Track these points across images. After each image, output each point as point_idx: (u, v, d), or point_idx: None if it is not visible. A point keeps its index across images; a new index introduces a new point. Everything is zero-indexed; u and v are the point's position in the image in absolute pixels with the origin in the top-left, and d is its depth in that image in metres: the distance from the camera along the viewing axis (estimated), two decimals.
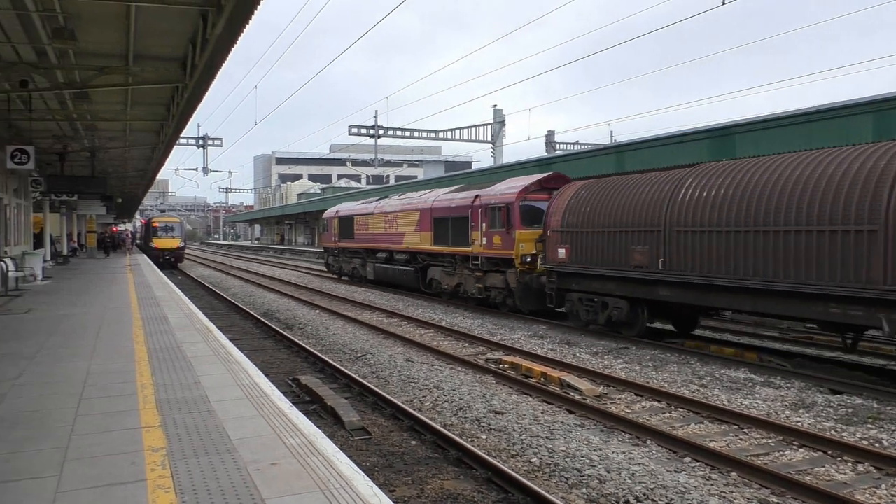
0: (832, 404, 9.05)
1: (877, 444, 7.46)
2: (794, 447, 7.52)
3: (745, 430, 8.12)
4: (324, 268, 33.58)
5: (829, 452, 7.28)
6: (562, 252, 15.35)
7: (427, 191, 25.03)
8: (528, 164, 26.98)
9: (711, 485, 6.39)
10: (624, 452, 7.25)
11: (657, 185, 13.15)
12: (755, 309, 11.38)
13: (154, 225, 44.08)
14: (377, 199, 29.05)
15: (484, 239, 18.64)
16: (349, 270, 30.14)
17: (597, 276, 14.35)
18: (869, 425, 8.14)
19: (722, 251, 11.27)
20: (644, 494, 6.11)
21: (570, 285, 15.35)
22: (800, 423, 8.26)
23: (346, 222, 29.86)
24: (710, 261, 11.51)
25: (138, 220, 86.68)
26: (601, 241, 14.14)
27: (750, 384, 10.19)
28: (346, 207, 31.35)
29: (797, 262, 10.03)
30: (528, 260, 16.99)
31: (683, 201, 12.17)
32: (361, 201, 31.41)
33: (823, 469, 6.85)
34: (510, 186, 18.46)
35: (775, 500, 6.08)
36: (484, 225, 18.65)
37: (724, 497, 6.09)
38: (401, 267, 24.21)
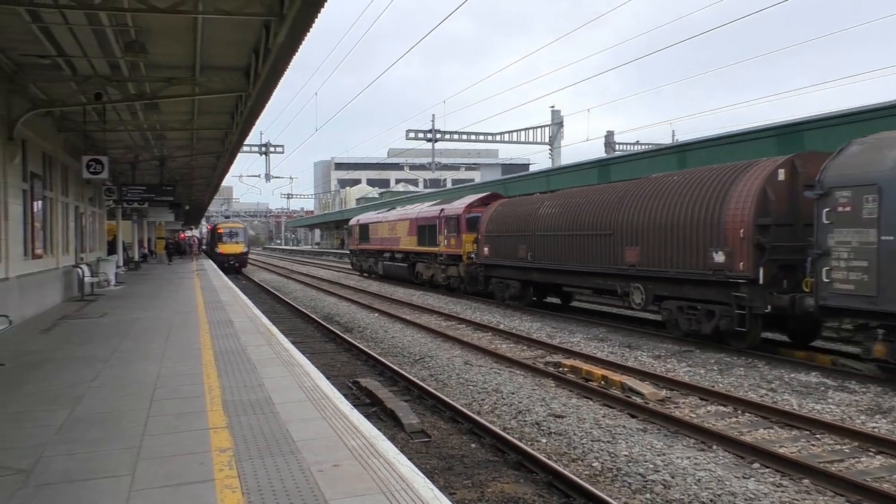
0: None
1: None
2: (871, 454, 7.21)
3: (818, 436, 7.83)
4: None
5: None
6: (486, 250, 22.00)
7: (417, 204, 32.86)
8: (581, 166, 26.67)
9: (782, 492, 6.18)
10: (689, 458, 7.08)
11: (531, 203, 20.06)
12: (576, 283, 17.73)
13: (219, 231, 45.34)
14: (385, 210, 36.24)
15: (445, 241, 25.57)
16: (367, 267, 37.26)
17: (504, 266, 20.95)
18: None
19: (560, 247, 17.66)
20: (711, 501, 5.96)
21: (491, 273, 22.07)
22: (876, 429, 7.92)
23: (364, 229, 36.93)
24: (554, 253, 17.93)
25: (204, 227, 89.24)
26: (506, 242, 20.59)
27: (822, 388, 9.81)
28: (364, 217, 38.44)
29: (590, 253, 16.35)
30: (472, 256, 23.21)
31: (542, 215, 18.75)
32: (375, 212, 38.37)
33: None
34: (461, 202, 25.47)
35: None
36: (445, 231, 25.59)
37: None
38: (399, 263, 31.11)
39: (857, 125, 14.69)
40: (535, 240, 18.73)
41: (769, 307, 11.63)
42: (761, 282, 11.64)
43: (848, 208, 10.20)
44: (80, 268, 18.76)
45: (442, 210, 26.23)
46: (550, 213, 18.34)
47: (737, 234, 12.02)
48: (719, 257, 12.37)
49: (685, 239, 13.27)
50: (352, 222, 40.69)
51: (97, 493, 4.39)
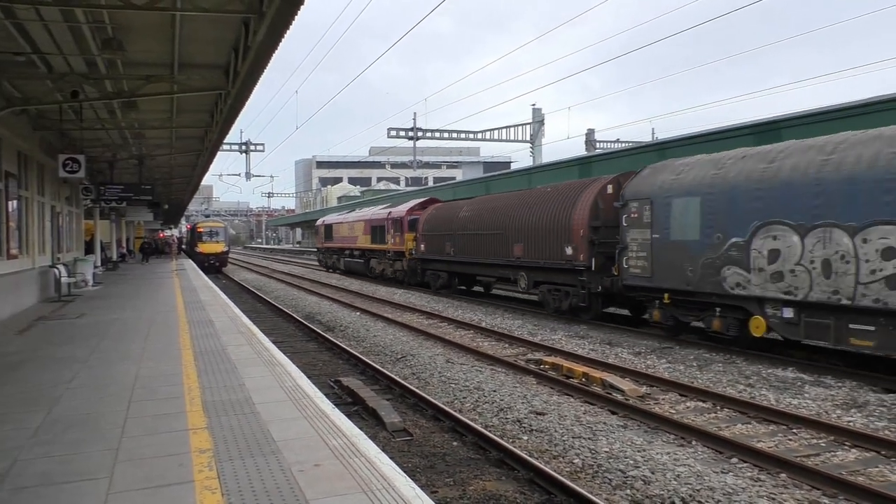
0: (885, 403, 8.78)
1: None
2: (846, 447, 7.33)
3: (795, 431, 7.94)
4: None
5: (883, 453, 7.08)
6: (422, 247, 26.00)
7: (370, 207, 39.17)
8: (561, 164, 26.79)
9: (760, 486, 6.26)
10: (669, 453, 7.15)
11: (455, 208, 24.36)
12: (484, 273, 22.22)
13: (199, 230, 44.98)
14: (346, 212, 41.56)
15: (392, 240, 29.72)
16: (331, 263, 41.49)
17: (435, 260, 25.08)
18: None
19: (473, 245, 21.82)
20: (690, 496, 6.02)
21: (426, 266, 26.31)
22: (852, 423, 8.05)
23: (328, 229, 41.39)
24: (469, 250, 22.06)
25: (184, 226, 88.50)
26: (437, 241, 24.57)
27: (799, 384, 9.95)
28: (328, 218, 43.04)
29: (492, 249, 20.50)
30: (413, 252, 27.34)
31: (460, 218, 22.97)
32: (337, 214, 43.26)
33: (877, 469, 6.66)
34: (405, 206, 29.65)
35: (827, 501, 5.94)
36: (392, 231, 29.66)
37: (774, 498, 5.96)
38: (357, 259, 35.35)
39: (832, 123, 14.90)
40: (456, 238, 23.04)
41: (600, 287, 15.75)
42: (594, 269, 15.87)
43: (636, 215, 14.33)
44: (57, 268, 18.53)
45: (389, 213, 30.47)
46: (467, 217, 22.64)
47: (579, 233, 16.29)
48: (569, 251, 16.70)
49: (550, 238, 17.46)
50: (318, 223, 45.67)
51: (75, 495, 4.35)
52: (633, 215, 14.36)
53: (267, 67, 11.12)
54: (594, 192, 16.26)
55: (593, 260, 15.83)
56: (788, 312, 11.02)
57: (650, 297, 14.17)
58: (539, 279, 18.35)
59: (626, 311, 17.04)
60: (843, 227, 10.09)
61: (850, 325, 10.08)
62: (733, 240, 11.88)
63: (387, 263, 30.76)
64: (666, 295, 13.55)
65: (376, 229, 31.69)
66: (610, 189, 16.07)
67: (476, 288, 25.94)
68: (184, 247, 63.66)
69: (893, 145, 9.73)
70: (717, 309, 12.47)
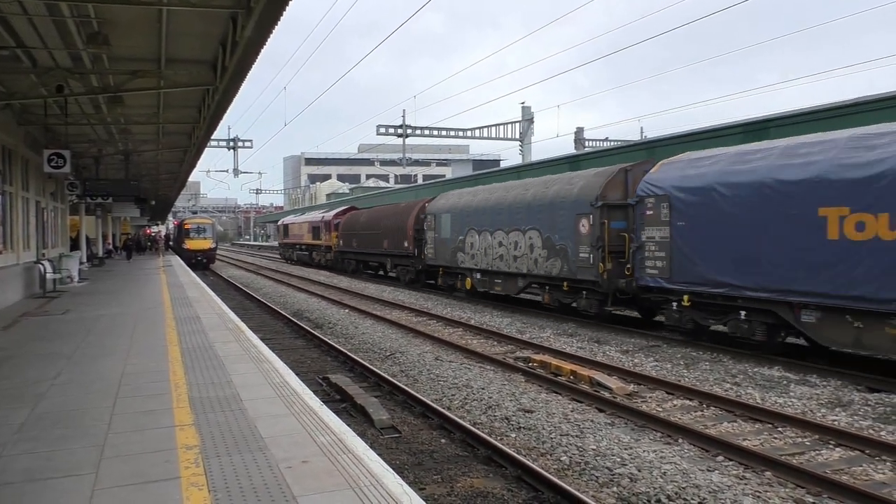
0: (869, 402, 8.87)
1: None
2: (831, 446, 7.39)
3: (780, 429, 7.99)
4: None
5: (867, 451, 7.14)
6: (341, 242, 35.67)
7: (312, 212, 50.60)
8: (551, 162, 26.82)
9: (745, 484, 6.30)
10: (655, 451, 7.18)
11: (358, 214, 34.17)
12: (373, 261, 31.41)
13: (186, 226, 44.74)
14: (298, 215, 54.94)
15: (324, 237, 39.69)
16: (288, 256, 51.50)
17: (348, 252, 34.67)
18: None
19: (366, 240, 30.70)
20: (676, 493, 6.05)
21: (343, 256, 36.14)
22: (836, 422, 8.11)
23: (286, 228, 51.98)
24: (364, 244, 30.99)
25: (171, 222, 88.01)
26: (348, 238, 34.04)
27: (784, 382, 10.03)
28: (286, 220, 55.09)
29: (375, 243, 29.52)
30: (335, 246, 36.91)
31: (360, 221, 32.13)
32: (293, 216, 55.86)
33: (861, 468, 6.72)
34: (333, 212, 39.88)
35: (811, 499, 5.98)
36: (324, 230, 39.88)
37: (759, 496, 6.00)
38: (304, 252, 45.68)
39: (819, 123, 15.02)
40: (358, 236, 32.71)
41: (420, 266, 25.25)
42: (416, 255, 25.39)
43: (432, 223, 23.53)
44: (42, 264, 18.37)
45: (322, 217, 41.11)
46: (364, 221, 32.23)
47: (409, 234, 25.90)
48: (406, 244, 26.35)
49: (399, 236, 27.06)
50: (279, 223, 58.02)
51: (59, 492, 4.31)
52: (430, 223, 23.73)
53: (255, 63, 11.06)
54: (417, 209, 25.97)
55: (416, 250, 25.48)
56: (478, 275, 20.62)
57: (436, 269, 23.74)
58: (396, 262, 28.53)
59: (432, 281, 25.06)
60: (501, 230, 19.08)
61: (495, 280, 19.63)
62: (460, 237, 21.31)
63: (321, 254, 40.95)
64: (441, 269, 23.34)
65: (315, 229, 41.99)
66: (423, 207, 25.36)
67: (372, 271, 34.41)
68: (171, 243, 63.30)
69: (510, 190, 19.40)
70: (460, 275, 21.98)
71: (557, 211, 16.50)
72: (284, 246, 52.57)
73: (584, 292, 15.86)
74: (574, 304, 16.39)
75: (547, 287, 17.37)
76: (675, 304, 13.20)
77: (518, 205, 18.28)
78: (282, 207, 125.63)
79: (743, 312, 11.83)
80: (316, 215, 43.66)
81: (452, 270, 22.11)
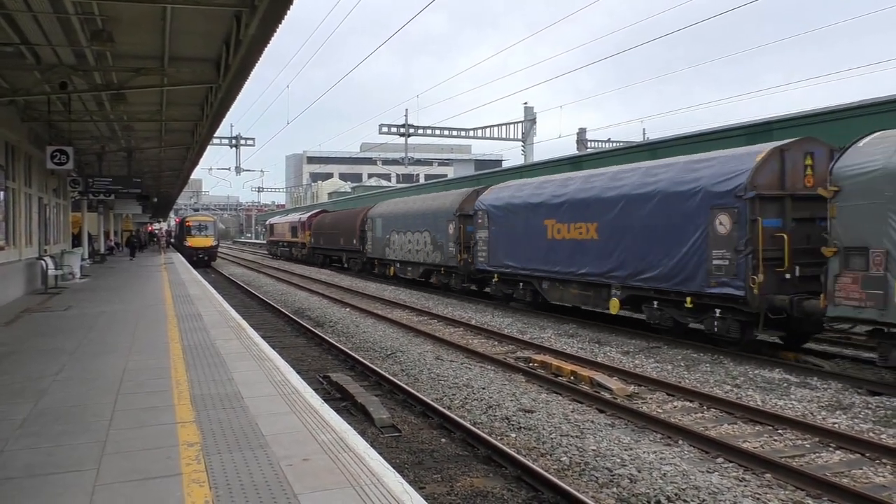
0: (870, 406, 8.86)
1: None
2: (831, 449, 7.39)
3: (780, 431, 8.00)
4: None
5: (867, 455, 7.13)
6: (312, 240, 43.14)
7: (292, 214, 59.46)
8: (553, 163, 26.83)
9: (745, 486, 6.30)
10: (655, 452, 7.18)
11: (326, 216, 42.63)
12: (334, 255, 39.09)
13: (188, 224, 44.76)
14: (282, 216, 64.75)
15: (301, 235, 46.28)
16: (274, 252, 58.28)
17: (318, 248, 42.29)
18: None
19: (329, 238, 38.99)
20: (676, 495, 6.06)
21: (315, 252, 43.10)
22: (837, 425, 8.11)
23: (272, 227, 60.38)
24: (328, 241, 39.23)
25: (172, 219, 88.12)
26: (318, 236, 41.97)
27: (785, 385, 10.03)
28: (271, 220, 64.99)
29: (336, 241, 37.41)
30: (308, 243, 44.15)
31: (326, 222, 40.76)
32: (278, 217, 66.04)
33: (861, 471, 6.72)
34: (307, 214, 46.69)
35: (811, 501, 5.99)
36: (300, 230, 46.29)
37: (758, 498, 6.00)
38: (285, 248, 52.38)
39: (824, 125, 15.02)
40: (324, 235, 40.20)
41: (364, 258, 31.86)
42: (361, 250, 32.22)
43: (370, 225, 31.00)
44: (44, 260, 18.40)
45: (300, 218, 47.73)
46: (328, 222, 40.18)
47: (357, 233, 32.73)
48: (355, 242, 33.30)
49: (350, 235, 33.90)
50: (266, 223, 69.29)
51: (61, 487, 4.33)
52: (369, 225, 30.96)
53: (258, 62, 11.08)
54: (362, 214, 32.80)
55: (361, 246, 32.63)
56: (398, 264, 27.60)
57: (373, 262, 31.13)
58: (349, 256, 35.87)
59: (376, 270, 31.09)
60: (409, 231, 26.01)
61: (407, 268, 26.64)
62: (387, 236, 28.49)
63: (298, 250, 47.67)
64: (376, 260, 30.76)
65: (294, 229, 48.78)
66: (366, 212, 32.06)
67: (337, 263, 39.72)
68: (172, 240, 63.33)
69: (416, 202, 26.93)
70: (387, 264, 29.00)
71: (439, 218, 23.65)
72: (271, 243, 60.56)
73: (453, 275, 23.21)
74: (447, 283, 23.80)
75: (433, 272, 24.79)
76: (493, 279, 19.70)
77: (419, 213, 25.78)
78: (284, 205, 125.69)
79: (521, 284, 18.48)
80: (295, 217, 51.78)
81: (383, 261, 29.88)
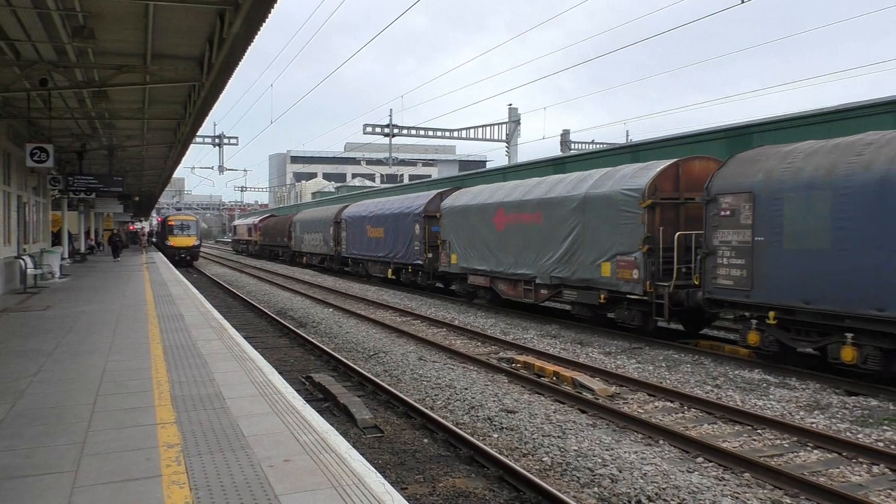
0: (847, 406, 8.98)
1: (892, 446, 7.40)
2: (809, 448, 7.48)
3: (759, 431, 8.08)
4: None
5: (844, 454, 7.23)
6: (261, 238, 54.08)
7: (249, 218, 71.18)
8: (537, 164, 26.92)
9: (724, 485, 6.37)
10: (636, 452, 7.24)
11: (273, 219, 53.78)
12: (276, 251, 50.00)
13: (170, 223, 44.42)
14: (246, 218, 72.93)
15: (254, 235, 56.93)
16: (237, 249, 67.64)
17: (265, 245, 52.91)
18: (885, 427, 8.07)
19: (269, 238, 51.08)
20: (656, 494, 6.11)
21: (263, 248, 53.93)
22: (814, 425, 8.21)
23: (235, 228, 70.17)
24: (268, 240, 51.63)
25: (154, 219, 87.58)
26: (264, 236, 52.71)
27: (764, 385, 10.13)
28: (236, 222, 74.00)
29: (275, 238, 48.91)
30: (258, 241, 55.17)
31: (268, 225, 52.87)
32: (242, 220, 73.84)
33: (838, 470, 6.81)
34: (258, 217, 62.27)
35: (789, 500, 6.06)
36: (254, 230, 57.55)
37: (737, 497, 6.06)
38: (244, 246, 62.21)
39: (800, 129, 15.20)
40: (267, 234, 51.01)
41: (292, 252, 43.40)
42: (289, 246, 44.02)
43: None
44: (23, 259, 18.18)
45: (254, 222, 58.74)
46: (270, 224, 50.21)
47: (287, 232, 44.18)
48: (286, 239, 44.60)
49: (283, 235, 45.15)
50: (232, 224, 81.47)
51: (39, 489, 4.28)
52: (294, 227, 41.54)
53: (242, 60, 11.03)
54: (290, 218, 42.53)
55: (290, 242, 41.96)
56: (307, 256, 39.49)
57: (294, 254, 42.83)
58: (282, 251, 46.31)
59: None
60: (313, 231, 37.76)
61: (313, 259, 38.53)
62: (303, 235, 40.12)
63: (252, 247, 57.85)
64: (298, 252, 41.52)
65: (250, 230, 59.62)
66: (292, 217, 42.47)
67: (281, 259, 48.23)
68: (153, 240, 62.82)
69: (319, 211, 39.12)
70: (304, 255, 40.74)
71: (326, 223, 35.01)
72: (234, 241, 71.48)
73: (325, 263, 36.39)
74: (324, 265, 36.37)
75: (324, 260, 36.59)
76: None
77: (319, 219, 36.85)
78: (267, 205, 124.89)
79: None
80: (251, 220, 63.62)
81: (300, 253, 41.09)
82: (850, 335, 9.84)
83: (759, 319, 11.22)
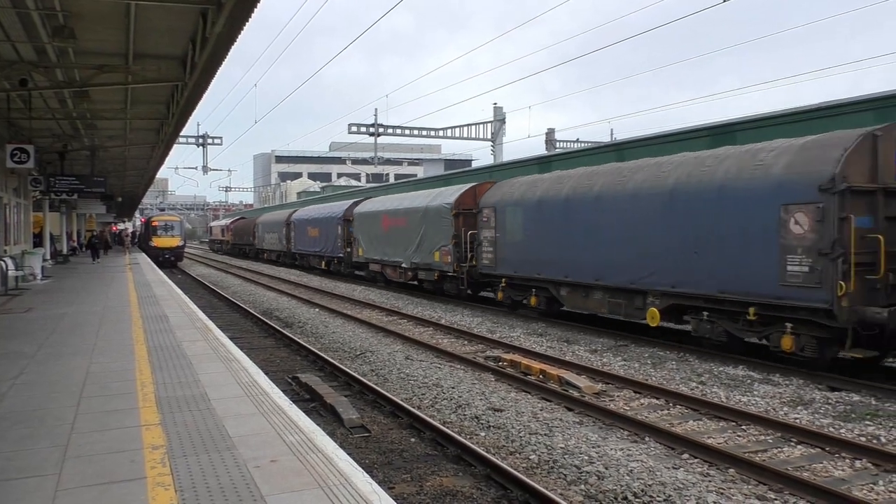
0: (830, 401, 9.08)
1: (874, 441, 7.49)
2: (793, 444, 7.55)
3: (744, 427, 8.15)
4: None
5: (827, 449, 7.30)
6: (232, 239, 61.40)
7: (224, 220, 77.20)
8: (521, 163, 26.99)
9: (709, 481, 6.41)
10: (622, 449, 7.27)
11: (242, 221, 62.39)
12: (244, 249, 55.94)
13: (154, 224, 44.09)
14: (217, 221, 79.54)
15: (227, 235, 64.29)
16: (213, 248, 74.68)
17: (236, 244, 59.32)
18: (867, 422, 8.16)
19: (238, 237, 57.69)
20: (642, 490, 6.14)
21: (233, 247, 61.25)
22: (798, 420, 8.29)
23: (211, 229, 78.41)
24: (238, 239, 58.25)
25: (138, 219, 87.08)
26: (235, 236, 59.76)
27: (748, 381, 10.22)
28: (212, 223, 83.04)
29: (243, 237, 55.66)
30: (230, 241, 62.19)
31: (238, 226, 60.49)
32: (217, 221, 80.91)
33: (821, 465, 6.88)
34: (231, 219, 70.13)
35: (773, 496, 6.11)
36: (226, 231, 65.26)
37: (722, 493, 6.11)
38: (219, 245, 69.02)
39: (782, 127, 15.32)
40: (237, 234, 57.89)
41: (257, 249, 49.52)
42: (254, 244, 50.45)
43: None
44: (4, 261, 17.96)
45: (227, 224, 64.77)
46: (240, 225, 58.11)
47: (252, 231, 50.98)
48: (251, 238, 51.62)
49: (250, 235, 51.78)
50: (208, 225, 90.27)
51: (21, 492, 4.24)
52: (258, 228, 48.17)
53: (225, 60, 10.97)
54: (255, 220, 51.24)
55: (254, 241, 48.59)
56: (267, 253, 46.40)
57: (257, 250, 49.81)
58: (250, 249, 51.66)
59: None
60: (271, 232, 45.19)
61: (271, 254, 45.67)
62: (265, 235, 46.48)
63: (225, 246, 63.93)
64: (258, 249, 48.83)
65: (223, 230, 65.94)
66: (255, 220, 51.46)
67: (246, 255, 54.82)
68: (136, 241, 62.33)
69: (275, 214, 47.25)
70: (265, 252, 47.56)
71: (280, 224, 41.42)
72: (211, 241, 78.41)
73: (279, 258, 43.14)
74: (279, 259, 43.21)
75: (279, 256, 42.91)
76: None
77: (276, 221, 43.35)
78: (252, 205, 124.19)
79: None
80: (223, 222, 70.60)
81: (262, 249, 47.26)
82: (534, 290, 16.72)
83: (503, 284, 17.82)
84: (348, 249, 29.28)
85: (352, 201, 30.93)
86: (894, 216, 9.99)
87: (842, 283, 9.54)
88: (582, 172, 15.71)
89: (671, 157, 13.44)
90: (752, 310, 10.81)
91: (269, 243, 44.97)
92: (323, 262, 33.52)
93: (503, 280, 17.69)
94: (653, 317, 12.60)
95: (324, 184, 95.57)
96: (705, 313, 11.83)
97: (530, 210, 16.61)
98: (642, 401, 9.44)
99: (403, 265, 22.88)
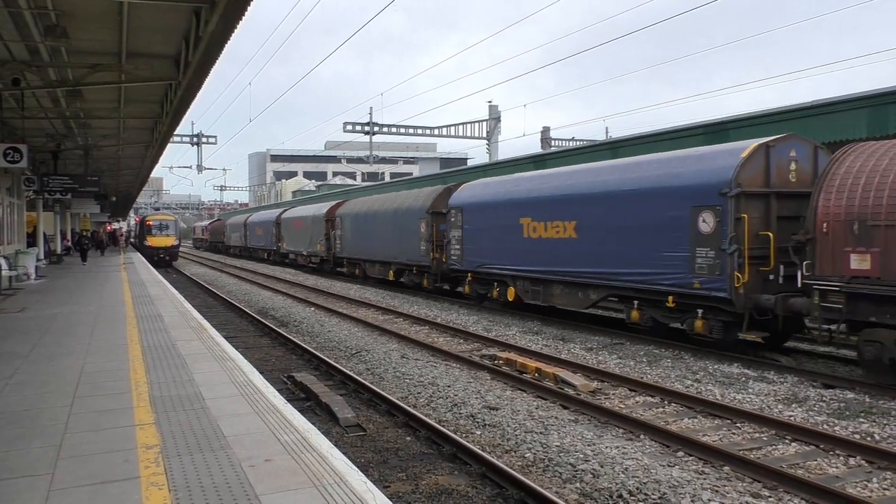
0: (825, 399, 9.10)
1: (868, 438, 7.51)
2: (787, 441, 7.56)
3: (738, 425, 8.16)
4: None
5: (822, 446, 7.32)
6: (209, 237, 74.84)
7: (203, 221, 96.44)
8: (513, 162, 26.99)
9: (704, 479, 6.42)
10: (618, 447, 7.28)
11: (217, 223, 75.95)
12: (220, 246, 67.47)
13: (148, 223, 43.95)
14: (201, 222, 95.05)
15: (206, 234, 77.48)
16: (196, 246, 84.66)
17: (214, 242, 71.29)
18: (861, 419, 8.19)
19: (215, 236, 70.13)
20: (637, 489, 6.14)
21: (211, 245, 72.77)
22: (792, 418, 8.31)
23: (194, 229, 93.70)
24: (214, 238, 70.27)
25: (132, 219, 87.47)
26: (213, 235, 72.02)
27: (743, 379, 10.24)
28: (195, 224, 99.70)
29: (219, 236, 67.04)
30: (209, 238, 74.82)
31: (214, 226, 73.25)
32: (199, 222, 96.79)
33: (815, 463, 6.90)
34: (211, 221, 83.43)
35: (767, 493, 6.12)
36: (206, 231, 78.73)
37: (717, 491, 6.12)
38: (201, 243, 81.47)
39: (775, 125, 15.36)
40: (214, 234, 70.00)
41: (227, 246, 63.10)
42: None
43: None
44: None
45: (206, 225, 78.41)
46: (216, 226, 70.95)
47: (225, 233, 63.63)
48: (223, 237, 64.99)
49: (222, 235, 64.12)
50: (192, 226, 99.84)
51: (14, 492, 4.22)
52: (227, 229, 60.98)
53: (219, 58, 10.94)
54: (229, 221, 63.36)
55: (245, 242, 51.67)
56: (239, 249, 55.86)
57: (228, 247, 60.88)
58: (224, 247, 62.09)
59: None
60: (238, 231, 55.64)
61: (251, 250, 51.11)
62: (236, 234, 56.23)
63: (204, 244, 74.45)
64: (230, 246, 59.45)
65: (203, 230, 76.62)
66: (226, 221, 65.82)
67: (222, 251, 62.49)
68: (132, 240, 62.17)
69: (250, 217, 53.27)
70: (237, 248, 55.92)
71: (241, 226, 53.62)
72: (195, 239, 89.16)
73: (241, 252, 54.05)
74: (241, 254, 54.50)
75: (241, 251, 53.98)
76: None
77: (238, 223, 54.50)
78: (247, 204, 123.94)
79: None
80: (204, 223, 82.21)
81: (229, 246, 56.35)
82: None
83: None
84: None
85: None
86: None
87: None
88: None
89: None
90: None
91: (234, 241, 57.54)
92: (266, 255, 42.96)
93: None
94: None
95: (319, 182, 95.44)
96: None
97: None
98: (637, 399, 9.46)
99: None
